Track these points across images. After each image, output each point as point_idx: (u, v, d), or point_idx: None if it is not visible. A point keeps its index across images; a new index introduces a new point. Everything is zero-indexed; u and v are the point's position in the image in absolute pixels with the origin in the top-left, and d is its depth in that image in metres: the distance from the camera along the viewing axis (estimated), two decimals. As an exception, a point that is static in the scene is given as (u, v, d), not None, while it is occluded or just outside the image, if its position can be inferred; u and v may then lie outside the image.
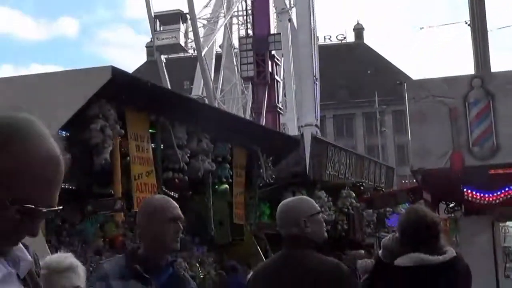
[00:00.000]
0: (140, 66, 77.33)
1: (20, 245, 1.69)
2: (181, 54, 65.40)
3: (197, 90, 44.53)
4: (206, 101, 40.85)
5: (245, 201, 20.13)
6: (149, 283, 3.81)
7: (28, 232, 1.60)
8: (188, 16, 42.40)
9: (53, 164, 1.60)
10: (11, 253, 1.67)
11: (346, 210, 21.82)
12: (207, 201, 18.09)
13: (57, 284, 3.00)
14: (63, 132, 14.12)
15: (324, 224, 4.20)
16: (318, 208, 4.25)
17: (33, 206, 1.55)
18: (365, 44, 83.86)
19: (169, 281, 3.88)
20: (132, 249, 4.06)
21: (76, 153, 15.16)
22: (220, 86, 46.52)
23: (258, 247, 18.97)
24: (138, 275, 3.80)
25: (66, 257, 3.19)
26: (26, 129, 1.58)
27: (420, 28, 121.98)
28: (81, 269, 3.12)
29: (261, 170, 19.52)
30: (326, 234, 4.19)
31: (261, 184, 19.90)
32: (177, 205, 4.02)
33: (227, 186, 18.88)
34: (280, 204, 4.28)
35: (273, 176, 19.93)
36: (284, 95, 45.42)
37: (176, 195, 18.13)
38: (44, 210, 1.58)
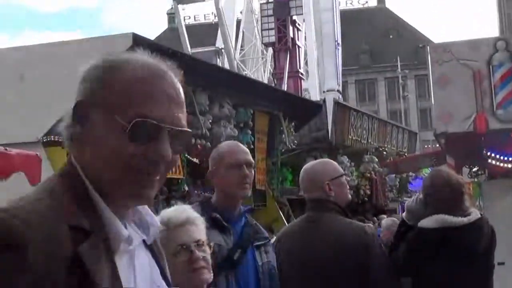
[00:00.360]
0: (161, 34, 77.19)
1: (149, 209, 1.69)
2: (202, 20, 65.12)
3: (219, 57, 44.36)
4: (225, 54, 40.73)
5: (267, 166, 20.13)
6: (227, 232, 3.65)
7: (159, 156, 1.56)
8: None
9: (162, 79, 1.61)
10: (142, 218, 1.67)
11: (368, 175, 21.78)
12: (229, 167, 18.11)
13: (177, 240, 2.84)
14: (85, 99, 14.18)
15: (347, 186, 4.17)
16: (342, 170, 4.22)
17: (155, 122, 1.53)
18: (387, 8, 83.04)
19: (243, 230, 3.71)
20: (205, 198, 3.89)
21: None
22: (239, 47, 46.26)
23: (281, 212, 19.01)
24: (216, 224, 3.59)
25: (183, 210, 3.03)
26: (130, 55, 1.64)
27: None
28: (200, 221, 2.95)
29: (283, 136, 19.48)
30: (349, 196, 4.17)
31: (283, 150, 19.87)
32: (247, 150, 3.81)
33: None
34: (303, 168, 4.26)
35: (295, 141, 19.87)
36: (306, 62, 45.16)
37: (198, 161, 18.19)
38: (168, 127, 1.56)
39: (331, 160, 4.47)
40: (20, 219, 1.38)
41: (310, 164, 4.30)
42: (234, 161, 3.64)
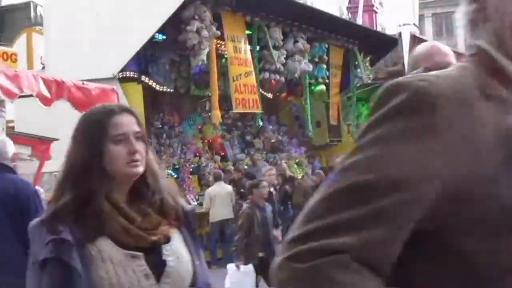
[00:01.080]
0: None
1: None
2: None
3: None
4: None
5: (341, 102, 20.05)
6: None
7: None
8: None
9: None
10: None
11: (445, 109, 21.41)
12: (304, 102, 18.09)
13: None
14: (159, 35, 14.24)
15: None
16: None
17: None
18: None
19: None
20: None
21: (173, 55, 15.33)
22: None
23: (356, 148, 18.89)
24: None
25: None
26: None
27: None
28: None
29: (359, 70, 19.29)
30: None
31: (358, 84, 19.71)
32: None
33: (324, 86, 18.78)
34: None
35: (371, 76, 19.66)
36: (381, -6, 44.32)
37: (272, 96, 18.23)
38: None
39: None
40: (428, 81, 1.29)
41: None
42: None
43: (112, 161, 2.17)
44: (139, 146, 2.18)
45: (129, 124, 2.22)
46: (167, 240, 2.21)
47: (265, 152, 17.44)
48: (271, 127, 18.92)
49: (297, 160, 18.19)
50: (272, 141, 18.38)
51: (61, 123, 10.79)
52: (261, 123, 17.23)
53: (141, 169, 2.18)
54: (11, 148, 5.08)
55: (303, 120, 19.00)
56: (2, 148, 4.99)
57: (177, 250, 2.22)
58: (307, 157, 18.75)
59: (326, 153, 19.69)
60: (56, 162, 9.12)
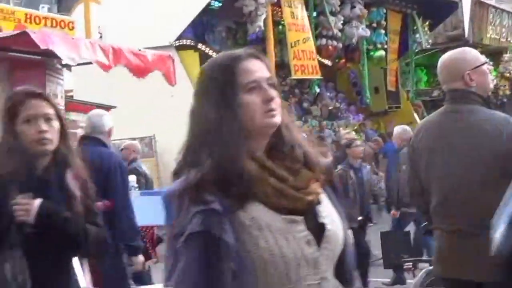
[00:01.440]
0: None
1: None
2: None
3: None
4: None
5: (399, 67, 19.80)
6: None
7: None
8: None
9: None
10: None
11: (508, 75, 21.07)
12: (362, 69, 17.91)
13: None
14: (215, 2, 14.21)
15: (489, 75, 3.93)
16: (483, 58, 3.98)
17: None
18: None
19: None
20: None
21: (230, 23, 15.30)
22: None
23: (416, 114, 18.69)
24: None
25: None
26: None
27: None
28: None
29: (417, 35, 18.99)
30: (492, 85, 3.94)
31: (417, 50, 19.43)
32: None
33: (383, 52, 18.55)
34: (442, 58, 4.02)
35: (430, 41, 19.34)
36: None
37: (330, 63, 18.07)
38: None
39: (471, 48, 4.21)
40: None
41: (449, 53, 4.06)
42: None
43: (247, 113, 1.92)
44: (274, 93, 1.95)
45: (260, 69, 1.96)
46: (319, 200, 1.98)
47: (322, 119, 17.34)
48: (328, 94, 18.78)
49: (355, 127, 18.06)
50: (330, 108, 18.26)
51: (118, 92, 10.96)
52: (318, 90, 17.10)
53: (279, 118, 1.88)
54: (108, 122, 5.26)
55: (361, 87, 18.84)
56: (98, 122, 5.23)
57: (329, 211, 1.98)
58: (360, 125, 18.54)
59: (384, 119, 19.49)
60: (113, 130, 9.19)
